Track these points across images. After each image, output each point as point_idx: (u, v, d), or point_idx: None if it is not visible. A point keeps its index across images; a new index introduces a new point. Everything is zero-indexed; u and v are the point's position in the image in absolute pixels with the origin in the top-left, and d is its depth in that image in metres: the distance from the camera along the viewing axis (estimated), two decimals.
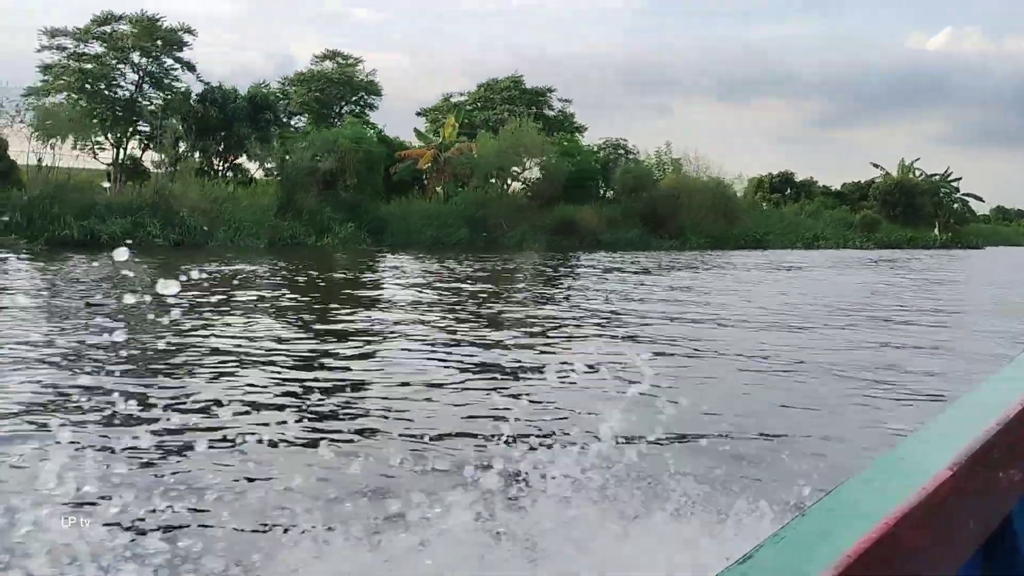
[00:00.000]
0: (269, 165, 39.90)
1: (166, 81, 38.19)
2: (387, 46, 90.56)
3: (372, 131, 42.96)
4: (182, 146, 36.20)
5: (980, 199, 72.50)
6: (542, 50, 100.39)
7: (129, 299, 6.15)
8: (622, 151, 52.34)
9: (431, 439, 5.39)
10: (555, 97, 53.34)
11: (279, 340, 9.68)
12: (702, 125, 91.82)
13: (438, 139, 44.09)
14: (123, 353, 7.76)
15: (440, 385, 7.38)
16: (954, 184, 69.98)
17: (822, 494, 0.90)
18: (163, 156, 35.67)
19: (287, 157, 36.35)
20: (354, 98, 47.82)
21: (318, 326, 11.27)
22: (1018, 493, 1.17)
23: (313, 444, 5.00)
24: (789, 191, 64.71)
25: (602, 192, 48.01)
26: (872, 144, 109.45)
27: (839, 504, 0.88)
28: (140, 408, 5.78)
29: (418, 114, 54.72)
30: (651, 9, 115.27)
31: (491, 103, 51.22)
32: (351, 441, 5.45)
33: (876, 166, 67.58)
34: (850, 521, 0.83)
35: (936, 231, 63.11)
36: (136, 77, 37.65)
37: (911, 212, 61.86)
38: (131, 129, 37.94)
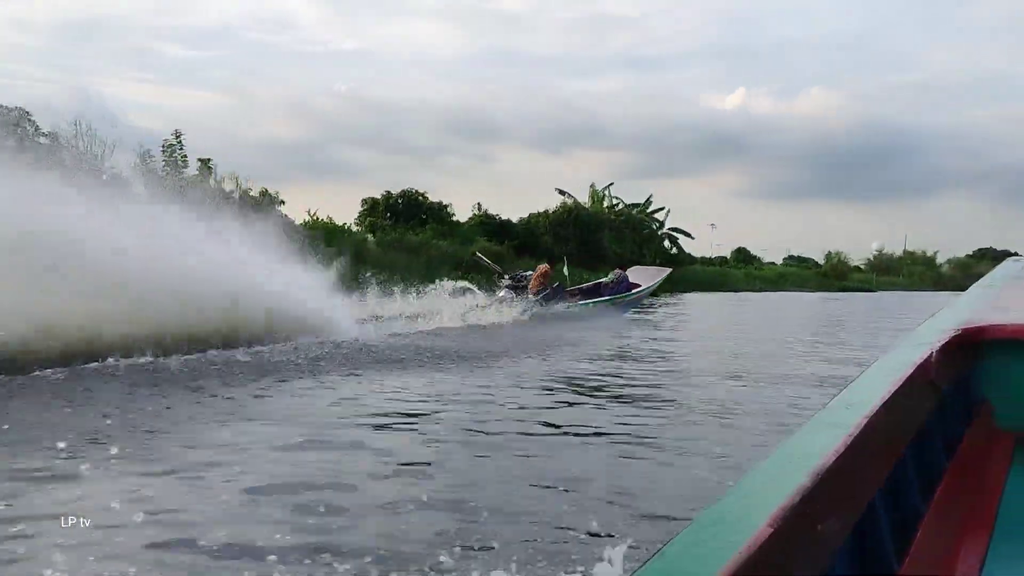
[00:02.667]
0: None
1: None
2: (202, 85, 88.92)
3: None
4: None
5: (689, 235, 56.01)
6: (367, 94, 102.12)
7: None
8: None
9: None
10: None
11: None
12: (523, 174, 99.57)
13: None
14: None
15: None
16: (657, 217, 54.22)
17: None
18: None
19: None
20: None
21: None
22: (837, 544, 1.22)
23: None
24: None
25: None
26: (679, 194, 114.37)
27: (664, 569, 0.87)
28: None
29: None
30: (476, 58, 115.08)
31: None
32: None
33: (561, 192, 49.28)
34: None
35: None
36: None
37: (591, 247, 43.48)
38: None
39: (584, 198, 49.86)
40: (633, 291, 18.86)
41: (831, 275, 73.32)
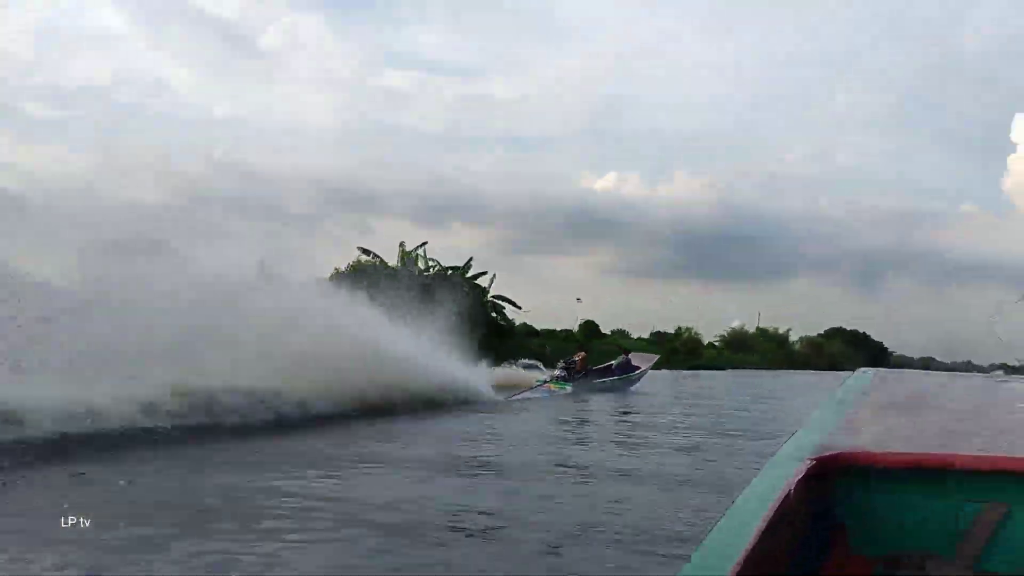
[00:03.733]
0: None
1: None
2: (64, 144, 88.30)
3: None
4: None
5: (516, 305, 47.21)
6: (242, 160, 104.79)
7: None
8: None
9: None
10: None
11: None
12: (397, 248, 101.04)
13: None
14: None
15: None
16: (480, 283, 46.32)
17: None
18: None
19: None
20: None
21: None
22: None
23: None
24: None
25: None
26: (554, 271, 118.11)
27: None
28: None
29: None
30: (356, 129, 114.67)
31: None
32: None
33: (365, 252, 43.30)
34: None
35: None
36: None
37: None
38: None
39: (395, 259, 46.21)
40: (635, 372, 25.82)
41: (681, 351, 72.49)
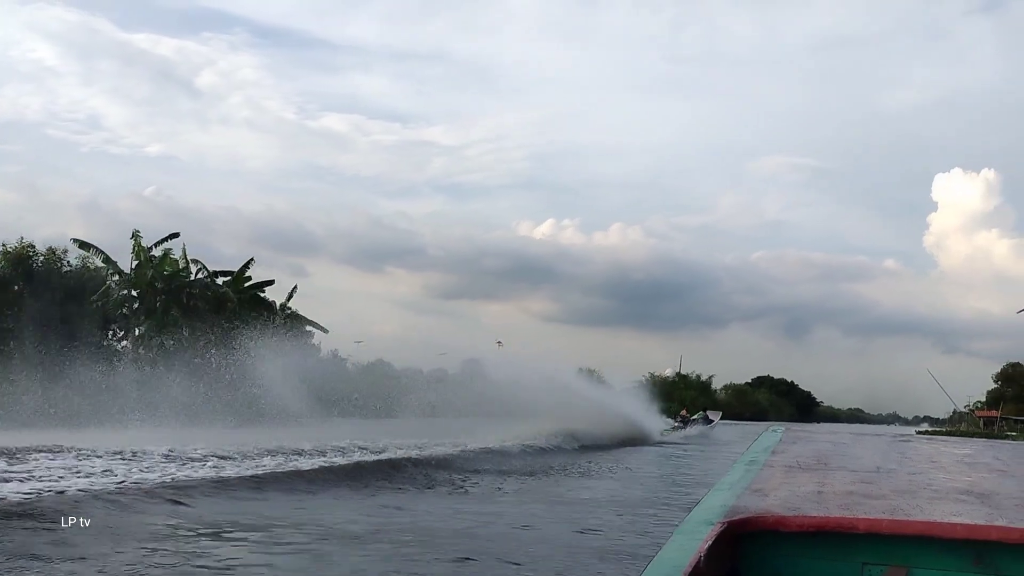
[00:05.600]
0: None
1: None
2: None
3: None
4: None
5: (323, 329, 39.52)
6: (174, 199, 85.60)
7: None
8: None
9: None
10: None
11: None
12: (336, 290, 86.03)
13: None
14: None
15: None
16: (264, 295, 37.46)
17: None
18: None
19: None
20: None
21: None
22: None
23: None
24: None
25: None
26: (492, 316, 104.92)
27: None
28: None
29: None
30: (292, 171, 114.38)
31: None
32: None
33: (83, 245, 32.63)
34: None
35: None
36: None
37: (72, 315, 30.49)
38: None
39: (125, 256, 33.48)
40: (712, 422, 46.13)
41: None
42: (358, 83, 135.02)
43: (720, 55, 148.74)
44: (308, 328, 38.08)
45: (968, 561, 2.21)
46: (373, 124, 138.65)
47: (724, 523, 2.16)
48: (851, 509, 2.41)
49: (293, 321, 36.65)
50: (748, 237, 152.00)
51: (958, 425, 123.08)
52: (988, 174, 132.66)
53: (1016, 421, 66.98)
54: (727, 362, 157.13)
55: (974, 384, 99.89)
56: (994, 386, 78.79)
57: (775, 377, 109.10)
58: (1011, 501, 2.62)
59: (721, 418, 52.72)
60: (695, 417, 46.60)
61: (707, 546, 1.97)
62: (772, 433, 4.12)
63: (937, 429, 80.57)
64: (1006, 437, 47.71)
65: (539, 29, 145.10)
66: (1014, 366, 77.02)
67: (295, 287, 38.96)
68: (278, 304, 37.75)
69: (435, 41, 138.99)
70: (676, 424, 41.03)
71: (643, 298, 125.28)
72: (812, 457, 3.38)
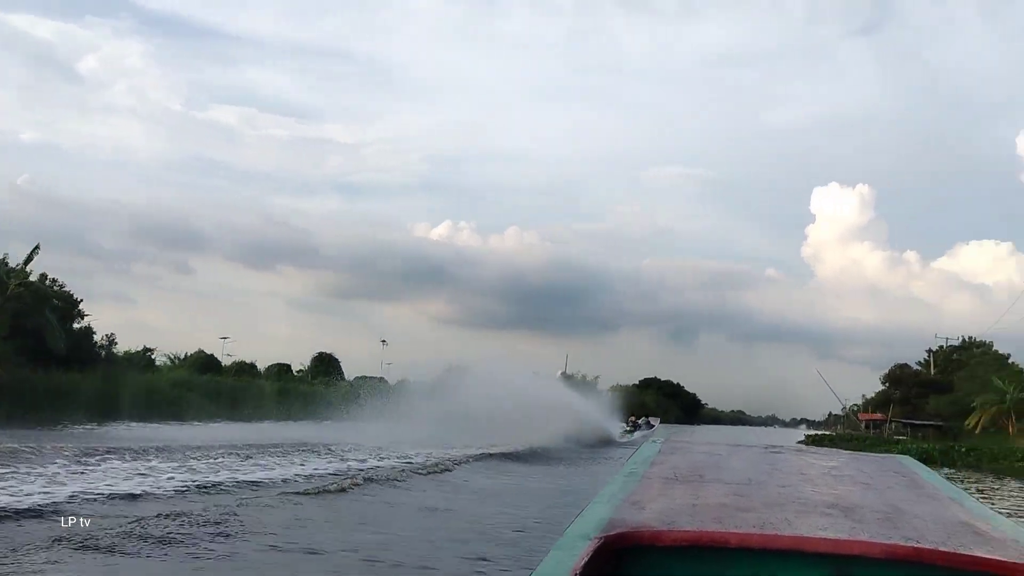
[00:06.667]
0: None
1: None
2: None
3: None
4: None
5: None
6: (49, 190, 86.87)
7: None
8: None
9: None
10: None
11: None
12: (225, 287, 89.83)
13: None
14: None
15: None
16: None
17: None
18: None
19: None
20: None
21: None
22: None
23: None
24: None
25: None
26: (387, 317, 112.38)
27: None
28: None
29: None
30: (180, 164, 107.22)
31: None
32: None
33: None
34: None
35: None
36: None
37: None
38: None
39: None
40: (653, 427, 56.68)
41: None
42: (251, 76, 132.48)
43: (617, 66, 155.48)
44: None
45: (832, 575, 2.25)
46: (266, 118, 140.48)
47: (601, 538, 2.17)
48: (724, 523, 2.42)
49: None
50: (641, 244, 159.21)
51: (834, 427, 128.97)
52: (863, 189, 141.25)
53: (905, 424, 65.11)
54: (617, 364, 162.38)
55: (850, 388, 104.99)
56: (881, 388, 77.05)
57: (662, 379, 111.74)
58: (874, 515, 2.66)
59: (660, 422, 64.49)
60: (640, 422, 54.58)
61: (583, 562, 1.99)
62: (652, 444, 4.13)
63: (825, 432, 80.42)
64: (895, 442, 46.63)
65: (439, 32, 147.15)
66: (902, 367, 74.95)
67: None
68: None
69: (333, 37, 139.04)
70: (627, 428, 47.75)
71: (538, 302, 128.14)
72: (689, 468, 3.43)
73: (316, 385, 47.05)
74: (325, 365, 55.63)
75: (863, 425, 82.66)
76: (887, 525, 2.48)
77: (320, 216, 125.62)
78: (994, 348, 65.11)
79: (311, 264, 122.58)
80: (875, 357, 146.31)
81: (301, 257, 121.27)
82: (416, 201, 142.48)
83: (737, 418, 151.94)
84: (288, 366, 54.65)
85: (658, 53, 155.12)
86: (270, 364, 52.82)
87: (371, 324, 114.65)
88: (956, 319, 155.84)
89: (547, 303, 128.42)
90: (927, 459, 31.85)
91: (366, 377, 54.10)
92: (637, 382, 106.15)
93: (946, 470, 27.36)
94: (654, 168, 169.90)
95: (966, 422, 49.27)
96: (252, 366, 52.61)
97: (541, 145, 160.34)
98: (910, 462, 3.99)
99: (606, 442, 36.53)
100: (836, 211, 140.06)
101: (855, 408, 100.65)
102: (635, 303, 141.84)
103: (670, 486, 2.98)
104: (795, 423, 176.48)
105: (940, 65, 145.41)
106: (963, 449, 31.85)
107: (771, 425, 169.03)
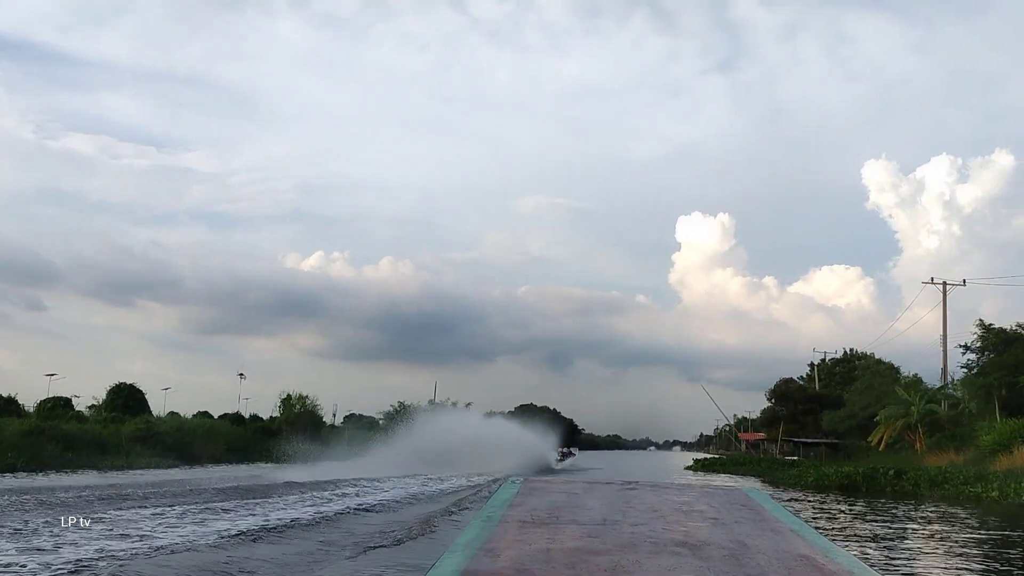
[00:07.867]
0: None
1: None
2: None
3: None
4: None
5: None
6: None
7: None
8: None
9: None
10: None
11: None
12: (80, 326, 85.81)
13: None
14: None
15: None
16: None
17: None
18: None
19: None
20: None
21: None
22: None
23: None
24: None
25: None
26: (257, 351, 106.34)
27: None
28: None
29: None
30: (25, 194, 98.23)
31: None
32: None
33: None
34: None
35: None
36: None
37: None
38: None
39: None
40: (573, 455, 62.33)
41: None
42: (107, 103, 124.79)
43: (483, 98, 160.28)
44: None
45: None
46: (124, 147, 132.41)
47: None
48: (576, 568, 2.47)
49: None
50: (514, 273, 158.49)
51: (706, 448, 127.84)
52: (724, 218, 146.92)
53: (796, 443, 60.84)
54: (493, 392, 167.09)
55: (710, 410, 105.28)
56: (767, 404, 72.94)
57: (538, 405, 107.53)
58: (720, 552, 2.73)
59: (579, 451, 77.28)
60: (565, 451, 59.48)
61: None
62: (511, 484, 4.14)
63: (715, 455, 79.37)
64: (792, 464, 42.82)
65: (306, 60, 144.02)
66: (787, 382, 70.99)
67: None
68: None
69: (193, 64, 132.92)
70: (559, 457, 52.91)
71: (413, 332, 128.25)
72: (546, 510, 3.38)
73: (97, 424, 39.82)
74: (124, 398, 47.15)
75: (743, 446, 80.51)
76: (732, 563, 2.61)
77: (183, 248, 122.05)
78: (876, 359, 62.02)
79: (174, 298, 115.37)
80: (740, 378, 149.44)
81: (163, 291, 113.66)
82: (286, 231, 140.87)
83: (614, 442, 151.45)
84: (67, 399, 45.61)
85: (522, 85, 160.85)
86: (45, 398, 43.96)
87: (236, 359, 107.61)
88: (812, 340, 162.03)
89: (421, 332, 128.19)
90: (851, 486, 28.34)
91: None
92: (513, 409, 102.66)
93: (883, 501, 23.37)
94: (523, 198, 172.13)
95: (868, 438, 45.81)
96: (68, 401, 44.35)
97: (412, 175, 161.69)
98: (756, 494, 4.19)
99: (546, 469, 41.42)
100: (700, 239, 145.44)
101: (727, 428, 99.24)
102: (509, 331, 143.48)
103: (526, 530, 3.01)
104: (668, 445, 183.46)
105: (790, 100, 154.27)
106: (890, 472, 28.36)
107: (647, 448, 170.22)
